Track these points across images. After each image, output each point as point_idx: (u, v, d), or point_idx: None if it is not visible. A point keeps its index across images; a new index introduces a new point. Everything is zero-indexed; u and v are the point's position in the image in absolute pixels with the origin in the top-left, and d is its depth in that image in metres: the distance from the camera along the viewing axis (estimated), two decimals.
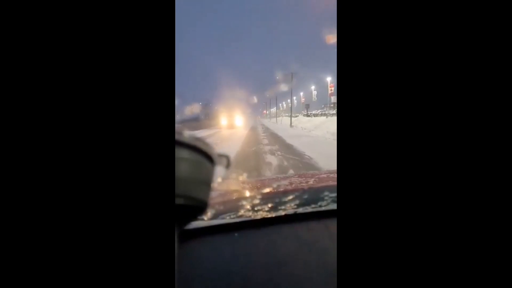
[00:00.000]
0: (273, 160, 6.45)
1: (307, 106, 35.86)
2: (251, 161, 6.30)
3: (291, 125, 24.15)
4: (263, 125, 28.45)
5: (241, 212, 0.62)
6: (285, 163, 6.08)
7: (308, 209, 0.63)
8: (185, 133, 0.26)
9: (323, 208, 0.63)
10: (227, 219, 0.60)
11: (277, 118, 50.40)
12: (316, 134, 13.92)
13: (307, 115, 27.98)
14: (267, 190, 0.86)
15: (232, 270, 0.47)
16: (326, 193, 0.69)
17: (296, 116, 28.35)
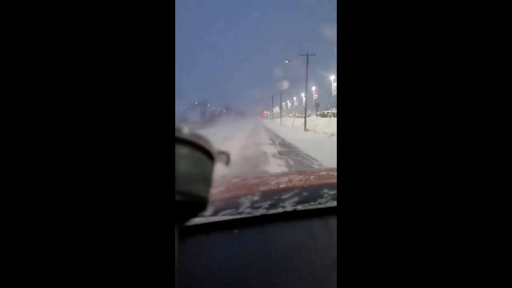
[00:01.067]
0: None
1: (317, 105, 30.47)
2: None
3: (305, 129, 18.97)
4: (270, 131, 19.11)
5: (241, 209, 0.62)
6: None
7: (308, 206, 0.63)
8: (185, 130, 0.26)
9: (322, 206, 0.63)
10: (227, 216, 0.60)
11: (281, 118, 45.41)
12: None
13: (324, 115, 22.71)
14: (267, 187, 0.86)
15: (232, 267, 0.47)
16: (325, 190, 0.69)
17: (308, 117, 23.04)
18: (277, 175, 1.11)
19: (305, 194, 0.70)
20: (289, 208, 0.62)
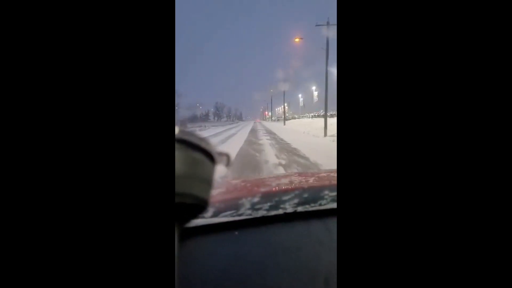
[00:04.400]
0: None
1: None
2: None
3: None
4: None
5: (242, 210, 0.63)
6: None
7: (308, 208, 0.63)
8: (186, 132, 0.26)
9: (323, 207, 0.64)
10: (228, 218, 0.60)
11: (285, 120, 25.26)
12: None
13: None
14: (267, 188, 0.86)
15: (232, 269, 0.48)
16: (326, 192, 0.70)
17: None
18: (278, 177, 1.09)
19: (305, 195, 0.69)
20: (289, 209, 0.63)
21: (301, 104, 50.61)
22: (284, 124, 32.56)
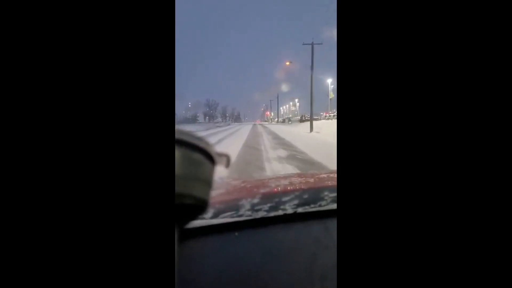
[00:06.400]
0: None
1: None
2: None
3: None
4: None
5: (241, 211, 0.63)
6: None
7: (308, 208, 0.64)
8: (185, 132, 0.26)
9: (322, 208, 0.64)
10: (228, 219, 0.60)
11: (312, 122, 17.26)
12: None
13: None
14: (267, 189, 0.86)
15: (232, 270, 0.48)
16: (326, 193, 0.70)
17: None
18: (278, 178, 1.10)
19: (305, 196, 0.70)
20: (289, 210, 0.63)
21: (330, 95, 33.21)
22: (311, 130, 17.20)
